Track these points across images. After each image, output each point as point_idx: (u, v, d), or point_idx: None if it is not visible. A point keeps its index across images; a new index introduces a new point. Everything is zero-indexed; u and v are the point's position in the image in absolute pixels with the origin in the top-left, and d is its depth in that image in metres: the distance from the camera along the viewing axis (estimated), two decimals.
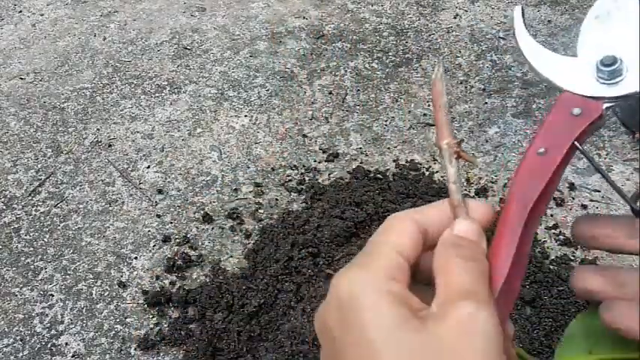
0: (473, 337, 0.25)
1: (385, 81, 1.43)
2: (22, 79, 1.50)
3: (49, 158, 1.27)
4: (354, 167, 1.20)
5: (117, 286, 1.02)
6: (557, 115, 0.30)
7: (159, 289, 1.00)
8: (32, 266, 1.06)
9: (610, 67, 0.29)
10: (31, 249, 1.09)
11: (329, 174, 1.20)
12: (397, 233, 0.29)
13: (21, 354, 0.94)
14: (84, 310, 0.99)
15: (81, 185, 1.21)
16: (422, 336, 0.25)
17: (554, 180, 0.29)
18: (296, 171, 1.21)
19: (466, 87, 1.39)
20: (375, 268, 0.27)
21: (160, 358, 0.92)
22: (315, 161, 1.23)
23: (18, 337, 0.96)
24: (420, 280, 0.30)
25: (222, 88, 1.44)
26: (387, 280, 0.27)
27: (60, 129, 1.35)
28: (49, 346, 0.95)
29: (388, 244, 0.28)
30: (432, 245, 0.30)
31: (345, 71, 1.46)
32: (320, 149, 1.25)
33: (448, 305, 0.26)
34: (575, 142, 0.29)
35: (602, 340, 0.30)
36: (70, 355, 0.93)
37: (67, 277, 1.04)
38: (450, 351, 0.24)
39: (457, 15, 1.64)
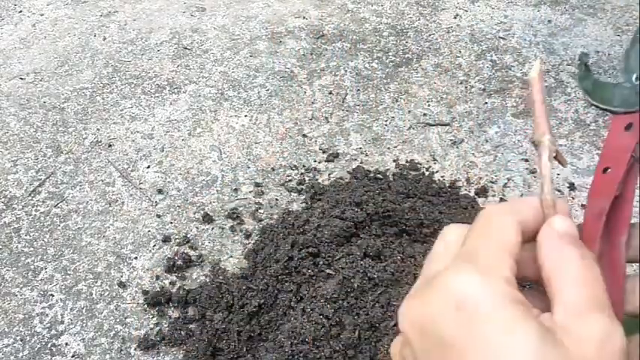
0: (613, 356, 0.24)
1: (385, 81, 1.43)
2: (22, 79, 1.50)
3: (49, 158, 1.27)
4: (354, 167, 1.20)
5: (117, 286, 1.02)
6: (614, 134, 0.31)
7: (159, 289, 1.00)
8: (32, 266, 1.06)
9: None
10: (31, 249, 1.09)
11: (329, 174, 1.20)
12: (501, 231, 0.27)
13: (21, 354, 0.94)
14: (84, 310, 0.99)
15: (81, 185, 1.21)
16: (561, 353, 0.23)
17: (625, 196, 0.30)
18: (296, 171, 1.21)
19: (466, 87, 1.39)
20: (492, 271, 0.25)
21: (159, 358, 0.92)
22: (315, 161, 1.23)
23: (18, 337, 0.96)
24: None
25: (222, 88, 1.44)
26: (507, 285, 0.25)
27: (60, 129, 1.35)
28: (49, 346, 0.95)
29: (497, 244, 0.27)
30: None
31: (345, 71, 1.46)
32: (320, 149, 1.25)
33: (580, 318, 0.24)
34: (633, 154, 0.30)
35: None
36: (70, 355, 0.93)
37: (67, 277, 1.04)
38: None
39: (457, 15, 1.64)
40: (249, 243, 1.07)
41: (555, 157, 0.31)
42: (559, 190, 1.13)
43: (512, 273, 0.26)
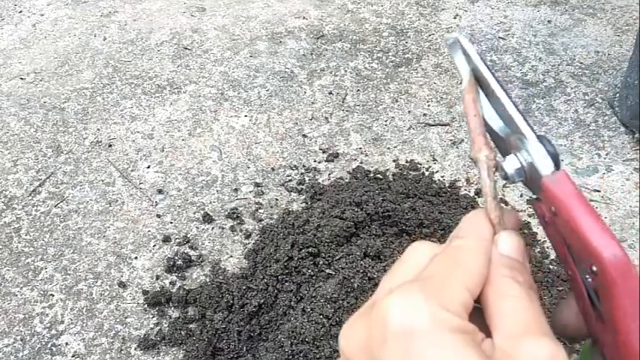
0: None
1: (385, 81, 1.43)
2: (22, 79, 1.50)
3: (49, 158, 1.27)
4: (354, 167, 1.20)
5: (117, 286, 1.02)
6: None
7: (159, 289, 1.00)
8: (32, 266, 1.06)
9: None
10: (32, 249, 1.09)
11: (329, 174, 1.20)
12: (468, 269, 0.27)
13: (21, 354, 0.94)
14: (84, 310, 0.99)
15: (81, 185, 1.21)
16: None
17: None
18: (296, 171, 1.21)
19: None
20: (440, 298, 0.25)
21: (160, 358, 0.92)
22: (315, 161, 1.23)
23: (18, 337, 0.96)
24: None
25: (222, 88, 1.44)
26: (451, 314, 0.25)
27: (60, 129, 1.35)
28: (49, 345, 0.95)
29: (458, 280, 0.26)
30: None
31: (345, 71, 1.46)
32: (320, 149, 1.25)
33: (520, 342, 0.24)
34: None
35: None
36: (70, 355, 0.93)
37: (67, 277, 1.04)
38: None
39: (457, 15, 1.64)
40: (249, 243, 1.07)
41: (496, 171, 0.30)
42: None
43: (463, 301, 0.26)
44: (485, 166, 0.30)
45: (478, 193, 1.14)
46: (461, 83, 0.32)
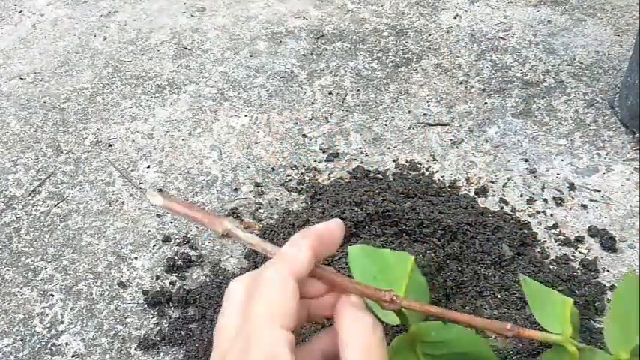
0: None
1: (385, 81, 1.43)
2: (22, 79, 1.50)
3: (49, 158, 1.27)
4: (354, 167, 1.20)
5: (117, 286, 1.02)
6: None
7: (159, 289, 1.00)
8: (32, 266, 1.06)
9: None
10: (31, 249, 1.09)
11: (329, 174, 1.20)
12: (279, 307, 0.28)
13: (21, 354, 0.94)
14: (84, 310, 0.99)
15: (81, 185, 1.21)
16: None
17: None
18: (296, 171, 1.21)
19: (466, 87, 1.39)
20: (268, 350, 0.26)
21: (160, 358, 0.92)
22: (315, 161, 1.23)
23: (18, 337, 0.96)
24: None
25: (222, 88, 1.44)
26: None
27: (60, 129, 1.35)
28: (49, 346, 0.95)
29: (271, 320, 0.27)
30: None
31: (345, 71, 1.46)
32: (320, 149, 1.25)
33: None
34: None
35: None
36: (70, 355, 0.93)
37: (67, 277, 1.04)
38: None
39: (457, 15, 1.64)
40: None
41: (246, 228, 0.31)
42: (559, 190, 1.13)
43: (291, 343, 0.27)
44: (236, 230, 0.31)
45: (478, 193, 1.14)
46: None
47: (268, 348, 0.26)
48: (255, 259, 1.01)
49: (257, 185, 1.18)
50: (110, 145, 1.30)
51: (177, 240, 1.08)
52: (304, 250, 0.29)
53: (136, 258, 1.06)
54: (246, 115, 1.35)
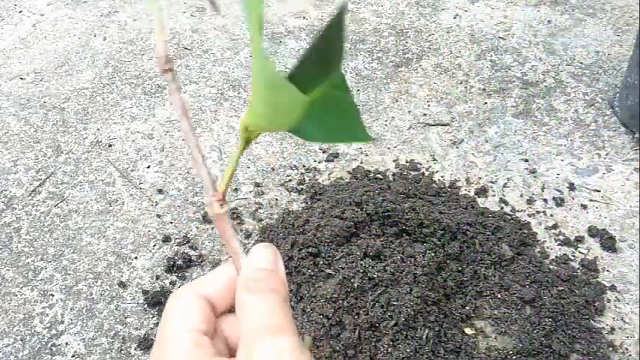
0: None
1: (385, 81, 1.43)
2: (22, 79, 1.50)
3: (49, 158, 1.27)
4: (354, 167, 1.20)
5: (117, 286, 1.02)
6: None
7: (159, 289, 1.00)
8: (32, 266, 1.06)
9: None
10: (32, 249, 1.09)
11: (329, 174, 1.20)
12: (183, 312, 0.28)
13: (21, 354, 0.94)
14: (84, 310, 0.99)
15: (81, 185, 1.21)
16: None
17: None
18: (296, 171, 1.21)
19: (466, 87, 1.39)
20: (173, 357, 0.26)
21: None
22: (315, 161, 1.23)
23: (18, 337, 0.96)
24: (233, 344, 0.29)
25: (222, 88, 1.44)
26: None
27: (60, 129, 1.35)
28: (49, 346, 0.95)
29: (178, 327, 0.27)
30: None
31: (345, 71, 1.46)
32: (320, 149, 1.25)
33: (251, 345, 0.25)
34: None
35: None
36: (70, 355, 0.93)
37: (67, 277, 1.04)
38: None
39: (457, 15, 1.64)
40: (249, 243, 1.07)
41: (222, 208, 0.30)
42: (559, 190, 1.13)
43: (204, 344, 0.26)
44: (221, 214, 0.31)
45: (478, 193, 1.14)
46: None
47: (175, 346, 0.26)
48: None
49: (257, 185, 1.18)
50: (110, 145, 1.30)
51: (177, 240, 1.08)
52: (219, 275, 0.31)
53: (136, 258, 1.06)
54: None
